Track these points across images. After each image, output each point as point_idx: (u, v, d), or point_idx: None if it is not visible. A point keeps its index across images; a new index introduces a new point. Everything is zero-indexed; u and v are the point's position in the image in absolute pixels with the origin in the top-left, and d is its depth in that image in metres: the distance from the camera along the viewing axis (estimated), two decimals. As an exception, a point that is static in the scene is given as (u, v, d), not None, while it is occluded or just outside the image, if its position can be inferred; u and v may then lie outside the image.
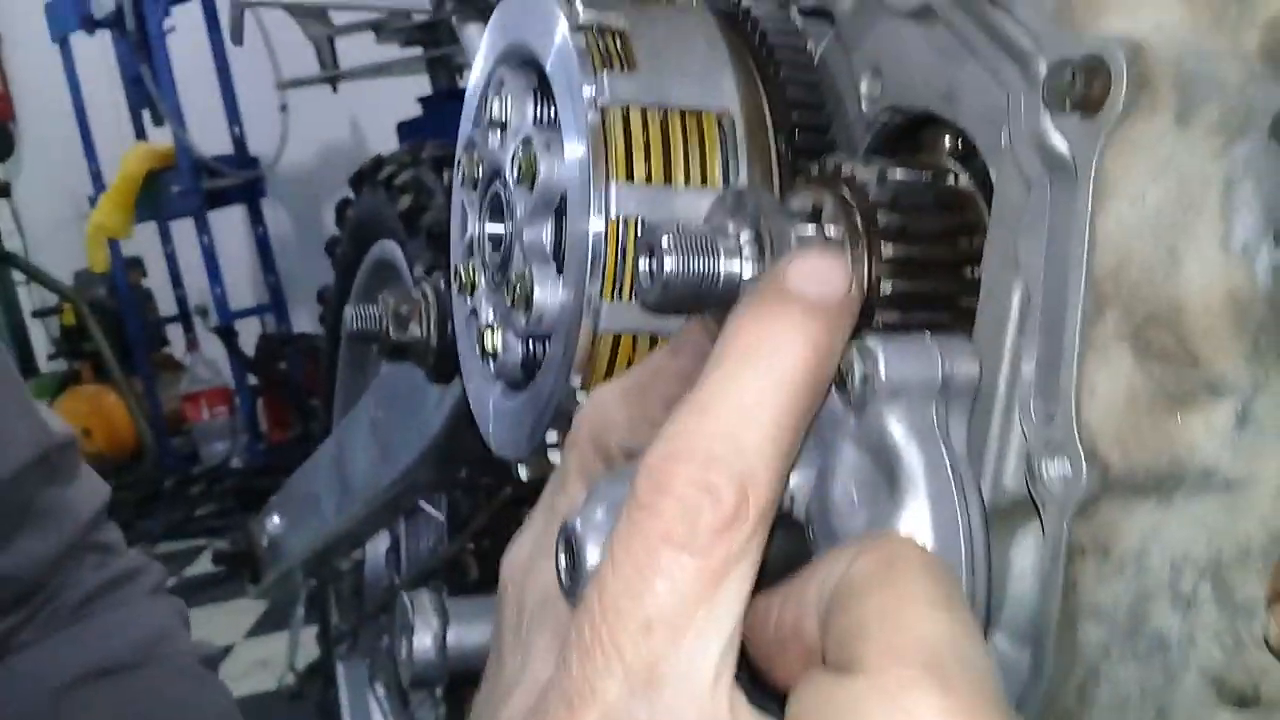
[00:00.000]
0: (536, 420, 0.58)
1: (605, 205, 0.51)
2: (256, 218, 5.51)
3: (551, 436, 0.57)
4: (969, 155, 0.50)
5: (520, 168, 0.56)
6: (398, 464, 1.16)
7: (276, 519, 1.68)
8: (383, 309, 0.84)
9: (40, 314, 6.20)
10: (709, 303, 0.47)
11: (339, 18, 3.76)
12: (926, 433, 0.43)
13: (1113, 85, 0.40)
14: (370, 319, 0.82)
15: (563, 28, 0.54)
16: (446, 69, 3.57)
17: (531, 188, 0.56)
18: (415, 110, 3.64)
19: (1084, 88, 0.40)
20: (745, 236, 0.45)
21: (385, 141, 3.22)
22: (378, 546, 1.78)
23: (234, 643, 3.61)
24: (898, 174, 0.49)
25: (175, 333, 6.27)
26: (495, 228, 0.62)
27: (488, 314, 0.63)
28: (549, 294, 0.56)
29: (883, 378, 0.42)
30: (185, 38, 5.01)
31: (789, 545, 0.48)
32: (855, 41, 0.55)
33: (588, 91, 0.52)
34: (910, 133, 0.54)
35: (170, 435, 5.95)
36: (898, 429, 0.43)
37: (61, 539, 0.94)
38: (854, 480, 0.44)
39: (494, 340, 0.61)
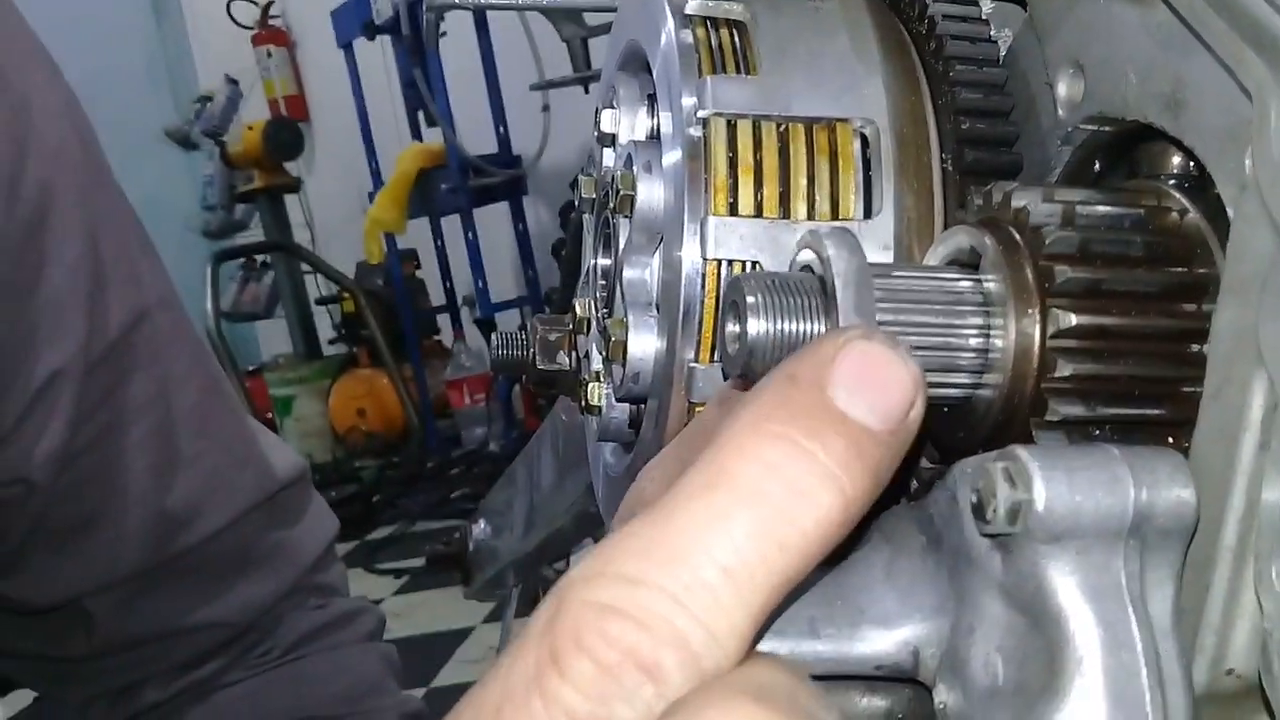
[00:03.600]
0: (634, 498, 0.47)
1: (701, 243, 0.40)
2: (518, 214, 5.67)
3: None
4: (1202, 183, 0.36)
5: (618, 192, 0.45)
6: (573, 487, 1.08)
7: (483, 524, 1.65)
8: (530, 335, 0.75)
9: (323, 301, 6.65)
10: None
11: (592, 19, 3.77)
12: (1108, 593, 0.30)
13: None
14: (517, 345, 0.74)
15: (668, 22, 0.43)
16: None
17: (631, 216, 0.45)
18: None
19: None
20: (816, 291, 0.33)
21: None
22: (585, 556, 1.73)
23: (474, 625, 3.71)
24: (1093, 210, 0.35)
25: (445, 322, 6.57)
26: (606, 260, 0.52)
27: (597, 361, 0.53)
28: (646, 348, 0.45)
29: (1040, 512, 0.29)
30: (456, 43, 5.20)
31: (912, 716, 0.36)
32: (1052, 28, 0.41)
33: (688, 101, 0.41)
34: (1124, 149, 0.40)
35: (438, 418, 6.23)
36: (1064, 585, 0.30)
37: (280, 584, 0.92)
38: (998, 646, 0.32)
39: (598, 393, 0.51)
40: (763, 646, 0.34)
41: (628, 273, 0.46)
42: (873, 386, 0.28)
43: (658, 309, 0.46)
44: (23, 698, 3.76)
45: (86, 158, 0.80)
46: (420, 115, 5.56)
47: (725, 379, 0.39)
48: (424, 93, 5.15)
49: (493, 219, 5.78)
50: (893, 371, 0.28)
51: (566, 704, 0.25)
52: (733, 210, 0.40)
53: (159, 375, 0.83)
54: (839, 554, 0.33)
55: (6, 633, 0.90)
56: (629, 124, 0.49)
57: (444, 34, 5.16)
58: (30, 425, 0.76)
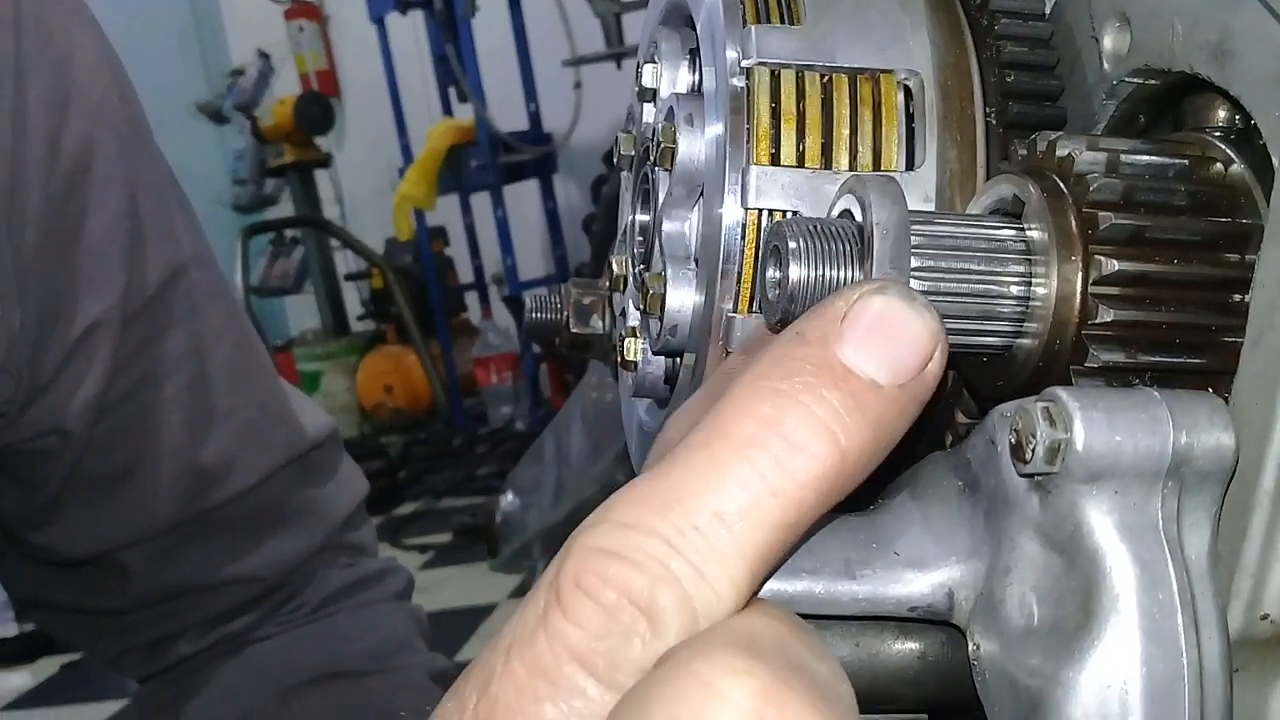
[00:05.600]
0: (669, 450, 0.48)
1: (743, 193, 0.41)
2: (548, 192, 5.68)
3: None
4: (1247, 135, 0.36)
5: (659, 145, 0.46)
6: (603, 457, 1.10)
7: (510, 496, 1.67)
8: (564, 299, 0.76)
9: (352, 277, 6.69)
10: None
11: (626, -7, 3.76)
12: (1145, 533, 0.30)
13: None
14: (550, 309, 0.74)
15: (713, -28, 0.43)
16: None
17: (672, 169, 0.46)
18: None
19: None
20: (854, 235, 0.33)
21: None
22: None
23: (498, 601, 3.74)
24: (1137, 159, 0.35)
25: (473, 299, 6.59)
26: (645, 216, 0.52)
27: (634, 317, 0.53)
28: (685, 301, 0.45)
29: (1079, 451, 0.30)
30: (488, 18, 5.20)
31: (943, 658, 0.36)
32: (1099, -20, 0.41)
33: (731, 52, 0.41)
34: (1169, 103, 0.40)
35: (465, 396, 6.27)
36: (1101, 525, 0.30)
37: (311, 541, 0.93)
38: (1034, 587, 0.32)
39: (634, 348, 0.52)
40: (797, 586, 0.35)
41: (667, 226, 0.47)
42: (883, 341, 0.28)
43: (696, 263, 0.46)
44: (49, 665, 3.83)
45: (127, 114, 0.81)
46: (451, 91, 5.58)
47: (766, 327, 0.40)
48: (455, 68, 5.16)
49: (522, 196, 5.79)
50: (907, 324, 0.29)
51: (568, 639, 0.27)
52: (774, 160, 0.41)
53: (194, 331, 0.84)
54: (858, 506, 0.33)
55: (43, 585, 0.92)
56: (670, 79, 0.49)
57: (477, 8, 5.16)
58: (68, 375, 0.77)
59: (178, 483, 0.85)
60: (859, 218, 0.35)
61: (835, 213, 0.36)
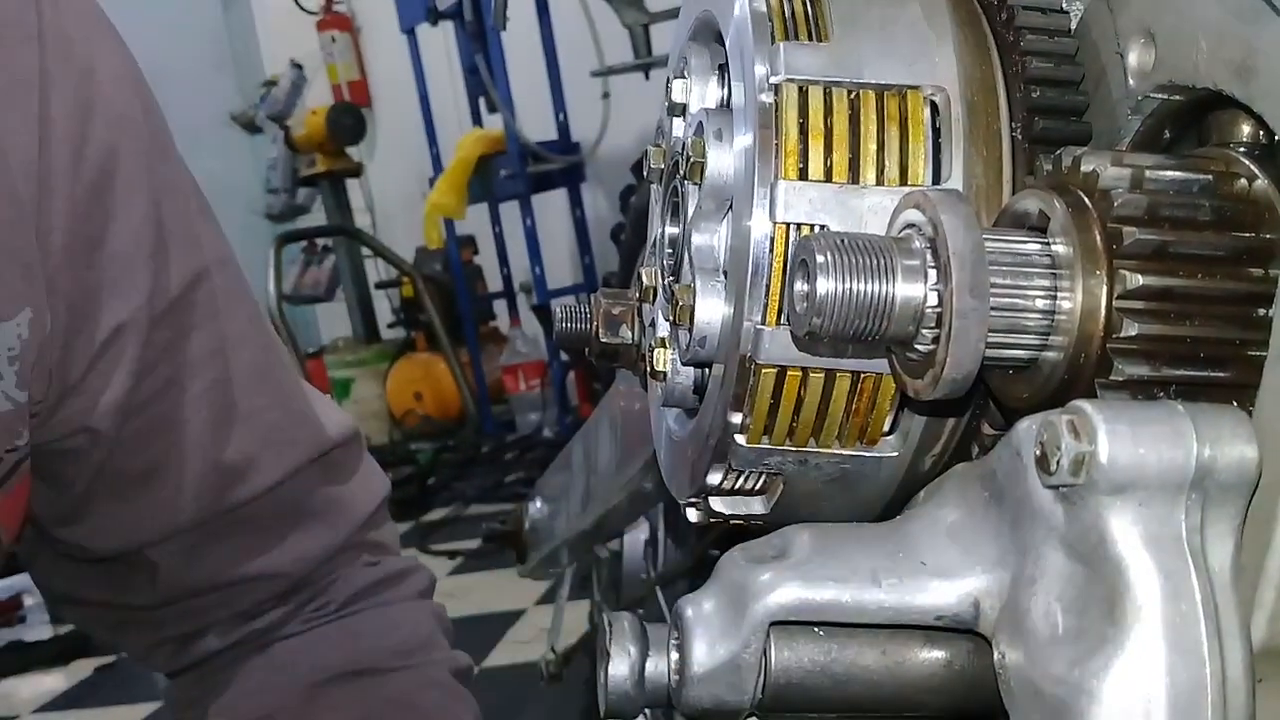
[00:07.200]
0: (698, 459, 0.49)
1: (771, 207, 0.41)
2: (576, 201, 5.70)
3: (714, 478, 0.48)
4: (1271, 150, 0.36)
5: (689, 159, 0.47)
6: (631, 465, 1.10)
7: (539, 503, 1.68)
8: (594, 309, 0.76)
9: (383, 285, 6.73)
10: (880, 338, 0.36)
11: (654, 4, 3.77)
12: (1168, 544, 0.31)
13: None
14: (580, 319, 0.75)
15: (742, -10, 0.44)
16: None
17: (701, 183, 0.46)
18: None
19: None
20: (921, 250, 0.33)
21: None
22: (637, 536, 1.73)
23: (525, 607, 3.75)
24: (1161, 174, 0.36)
25: (502, 308, 6.62)
26: (674, 229, 0.53)
27: (663, 328, 0.54)
28: (713, 313, 0.46)
29: (1104, 463, 0.30)
30: (517, 29, 5.23)
31: (969, 667, 0.37)
32: (1124, -3, 0.41)
33: (760, 68, 0.42)
34: (1194, 118, 0.40)
35: (493, 403, 6.29)
36: (1125, 536, 0.31)
37: (334, 538, 0.95)
38: (1059, 597, 0.32)
39: (664, 359, 0.52)
40: (825, 594, 0.35)
41: (696, 239, 0.48)
42: None
43: (725, 275, 0.47)
44: (83, 668, 3.87)
45: (149, 123, 0.82)
46: (481, 101, 5.60)
47: (793, 340, 0.40)
48: (485, 79, 5.19)
49: (551, 206, 5.81)
50: None
51: None
52: (803, 175, 0.41)
53: (217, 333, 0.86)
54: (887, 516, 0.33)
55: (75, 582, 0.94)
56: (700, 93, 0.50)
57: (508, 20, 5.19)
58: (96, 376, 0.79)
59: (203, 480, 0.86)
60: (926, 233, 0.35)
61: (899, 226, 0.37)
